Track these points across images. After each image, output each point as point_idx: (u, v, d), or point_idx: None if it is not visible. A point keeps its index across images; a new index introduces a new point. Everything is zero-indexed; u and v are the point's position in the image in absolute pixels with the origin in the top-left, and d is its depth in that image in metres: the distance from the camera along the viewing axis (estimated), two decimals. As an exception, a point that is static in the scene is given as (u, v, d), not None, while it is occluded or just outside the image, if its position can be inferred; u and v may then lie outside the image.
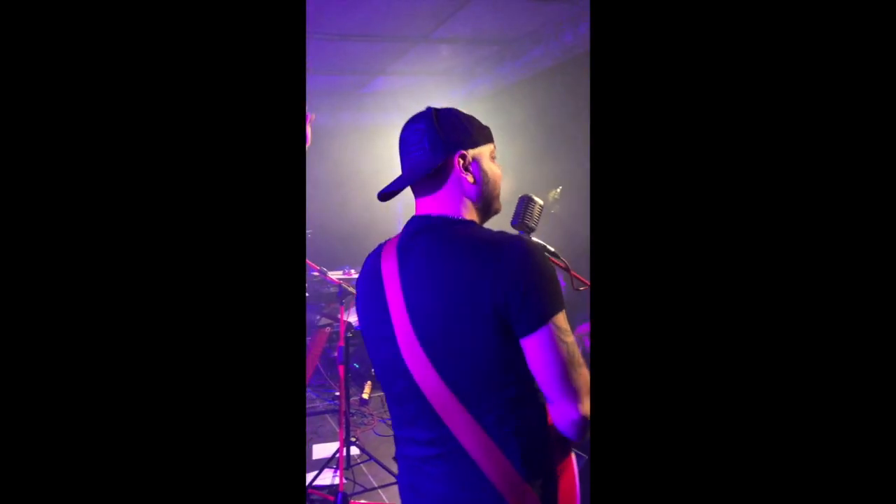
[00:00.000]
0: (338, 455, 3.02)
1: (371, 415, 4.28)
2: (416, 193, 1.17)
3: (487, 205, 1.18)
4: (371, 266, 1.17)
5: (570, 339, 1.01)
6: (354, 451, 3.42)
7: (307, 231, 3.46)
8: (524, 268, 0.99)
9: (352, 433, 3.42)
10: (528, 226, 1.29)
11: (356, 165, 5.98)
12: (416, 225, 1.13)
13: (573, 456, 1.13)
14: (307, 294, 4.56)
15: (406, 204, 6.24)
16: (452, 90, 4.96)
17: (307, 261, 3.11)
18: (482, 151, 1.16)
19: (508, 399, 1.02)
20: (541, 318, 0.98)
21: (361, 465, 3.38)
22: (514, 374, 1.02)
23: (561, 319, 1.00)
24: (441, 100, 5.17)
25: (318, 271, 3.20)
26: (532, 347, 0.99)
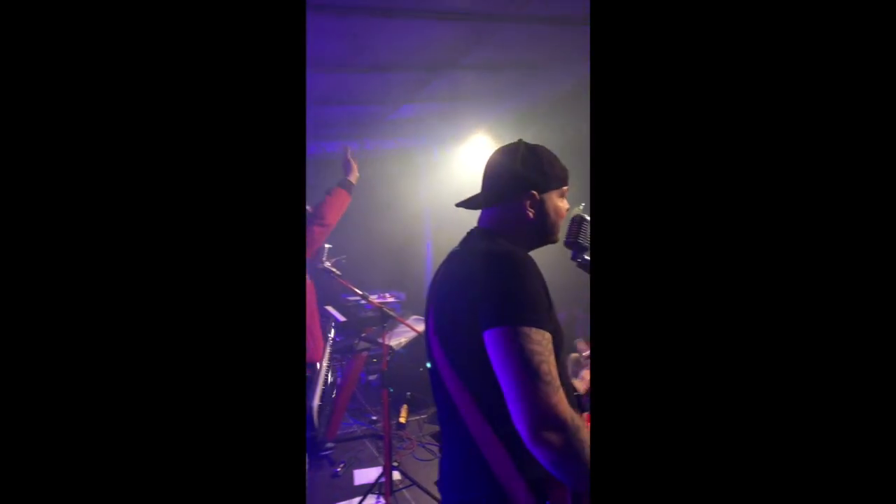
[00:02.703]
0: (382, 480, 3.02)
1: (409, 439, 4.28)
2: (484, 206, 1.33)
3: (541, 238, 1.31)
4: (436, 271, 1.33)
5: (542, 352, 0.99)
6: (396, 475, 3.42)
7: (343, 257, 3.52)
8: (500, 268, 1.07)
9: (394, 457, 3.42)
10: (580, 245, 1.34)
11: (385, 190, 6.05)
12: (468, 236, 1.30)
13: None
14: (345, 319, 4.61)
15: (435, 235, 6.23)
16: (480, 114, 5.03)
17: (348, 285, 3.16)
18: (552, 194, 1.29)
19: (493, 389, 1.05)
20: (502, 316, 1.01)
21: (403, 490, 3.37)
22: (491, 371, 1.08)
23: (532, 332, 0.99)
24: (468, 123, 5.23)
25: (359, 296, 3.25)
26: (490, 343, 1.01)
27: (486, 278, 1.08)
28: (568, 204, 1.33)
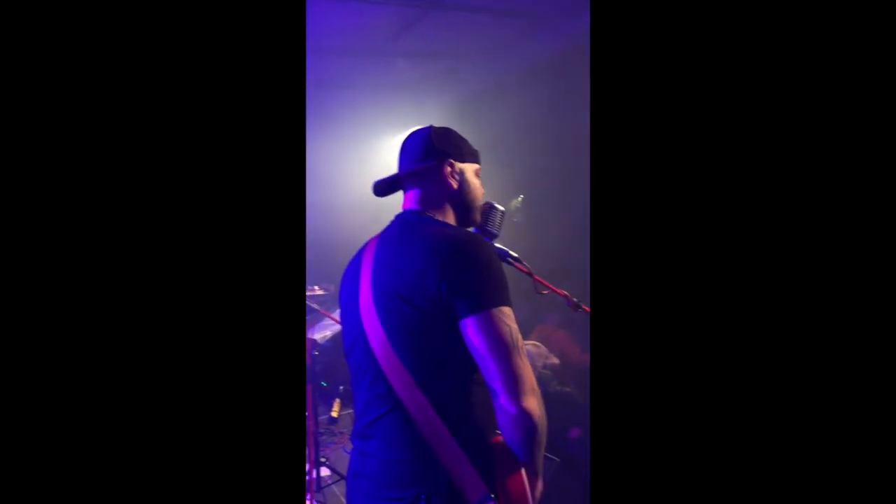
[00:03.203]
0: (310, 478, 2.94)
1: (341, 433, 4.21)
2: (405, 189, 1.32)
3: (465, 211, 1.31)
4: (356, 255, 1.31)
5: (516, 327, 1.07)
6: (325, 471, 3.34)
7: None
8: (467, 256, 1.09)
9: (322, 453, 3.35)
10: (490, 232, 1.36)
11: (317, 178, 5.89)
12: (398, 220, 1.28)
13: (522, 474, 1.09)
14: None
15: (369, 227, 6.15)
16: (410, 104, 4.96)
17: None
18: (468, 167, 1.32)
19: (455, 382, 1.09)
20: (481, 303, 1.06)
21: (332, 485, 3.30)
22: (457, 358, 1.08)
23: (506, 310, 1.07)
24: (399, 114, 5.16)
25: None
26: (471, 329, 1.05)
27: (454, 265, 1.08)
28: (483, 189, 1.35)
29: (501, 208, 1.37)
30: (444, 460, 1.05)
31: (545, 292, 1.54)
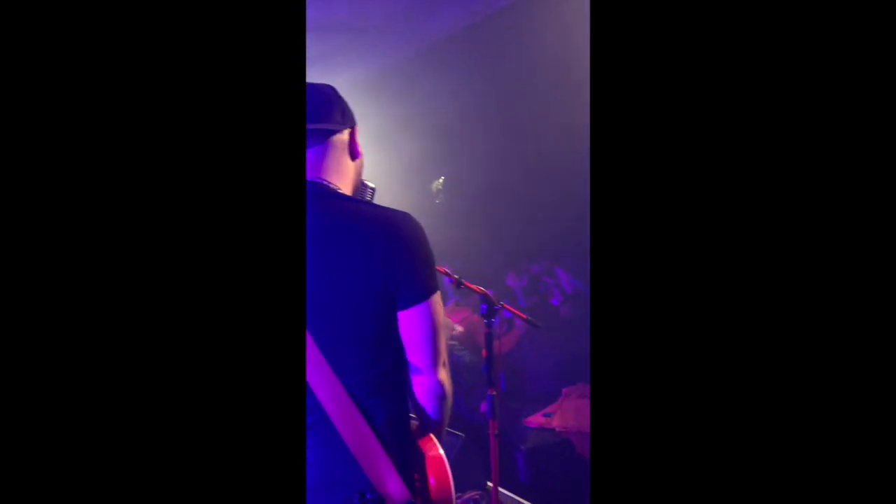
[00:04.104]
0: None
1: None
2: (309, 137, 1.14)
3: (357, 180, 1.23)
4: None
5: (442, 306, 1.13)
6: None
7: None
8: (413, 244, 1.07)
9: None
10: None
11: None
12: (310, 197, 1.08)
13: (433, 438, 1.17)
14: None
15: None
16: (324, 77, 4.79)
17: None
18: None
19: (382, 371, 1.07)
20: (425, 292, 1.07)
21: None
22: (390, 348, 1.08)
23: (438, 295, 1.10)
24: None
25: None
26: (413, 318, 1.07)
27: (400, 259, 1.04)
28: None
29: (372, 185, 1.29)
30: (364, 464, 1.03)
31: (452, 275, 1.60)
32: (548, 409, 3.09)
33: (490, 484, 1.92)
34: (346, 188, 1.17)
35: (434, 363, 1.10)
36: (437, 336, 1.09)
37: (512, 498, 2.36)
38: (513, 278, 4.25)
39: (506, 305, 1.95)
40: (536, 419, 3.07)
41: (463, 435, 2.51)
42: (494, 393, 1.82)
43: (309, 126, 1.12)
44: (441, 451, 1.13)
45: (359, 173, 1.22)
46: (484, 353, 1.86)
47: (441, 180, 5.17)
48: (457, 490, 2.28)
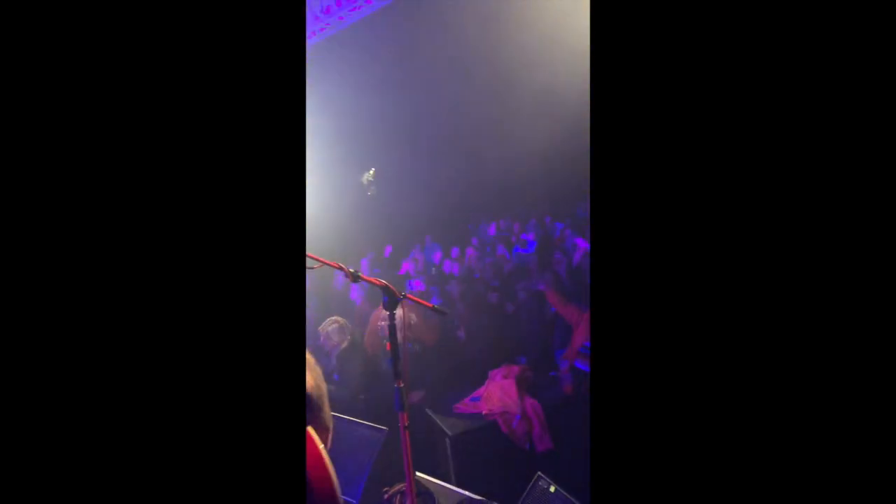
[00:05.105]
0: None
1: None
2: None
3: None
4: None
5: None
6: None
7: None
8: None
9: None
10: None
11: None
12: None
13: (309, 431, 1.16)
14: None
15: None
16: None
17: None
18: None
19: None
20: None
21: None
22: None
23: None
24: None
25: None
26: None
27: None
28: None
29: None
30: None
31: (316, 266, 1.56)
32: (475, 394, 3.14)
33: (420, 474, 1.93)
34: None
35: None
36: None
37: (438, 484, 2.39)
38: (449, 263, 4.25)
39: (409, 296, 1.96)
40: (465, 405, 3.11)
41: (386, 429, 2.53)
42: (402, 385, 1.83)
43: None
44: (319, 445, 1.14)
45: None
46: (388, 346, 1.87)
47: (372, 172, 5.12)
48: (384, 483, 2.27)
